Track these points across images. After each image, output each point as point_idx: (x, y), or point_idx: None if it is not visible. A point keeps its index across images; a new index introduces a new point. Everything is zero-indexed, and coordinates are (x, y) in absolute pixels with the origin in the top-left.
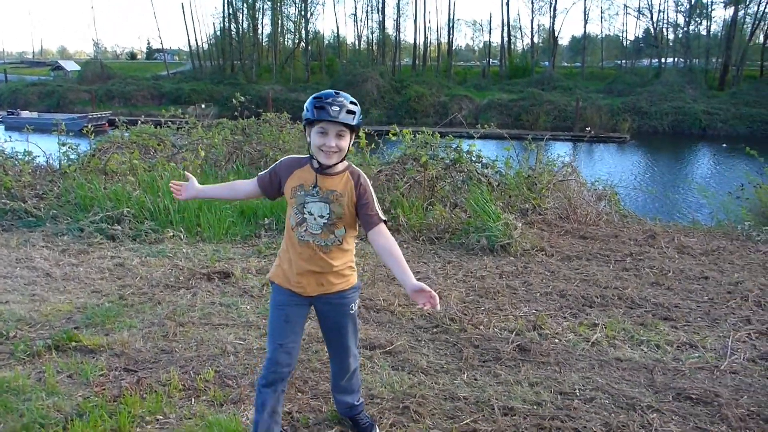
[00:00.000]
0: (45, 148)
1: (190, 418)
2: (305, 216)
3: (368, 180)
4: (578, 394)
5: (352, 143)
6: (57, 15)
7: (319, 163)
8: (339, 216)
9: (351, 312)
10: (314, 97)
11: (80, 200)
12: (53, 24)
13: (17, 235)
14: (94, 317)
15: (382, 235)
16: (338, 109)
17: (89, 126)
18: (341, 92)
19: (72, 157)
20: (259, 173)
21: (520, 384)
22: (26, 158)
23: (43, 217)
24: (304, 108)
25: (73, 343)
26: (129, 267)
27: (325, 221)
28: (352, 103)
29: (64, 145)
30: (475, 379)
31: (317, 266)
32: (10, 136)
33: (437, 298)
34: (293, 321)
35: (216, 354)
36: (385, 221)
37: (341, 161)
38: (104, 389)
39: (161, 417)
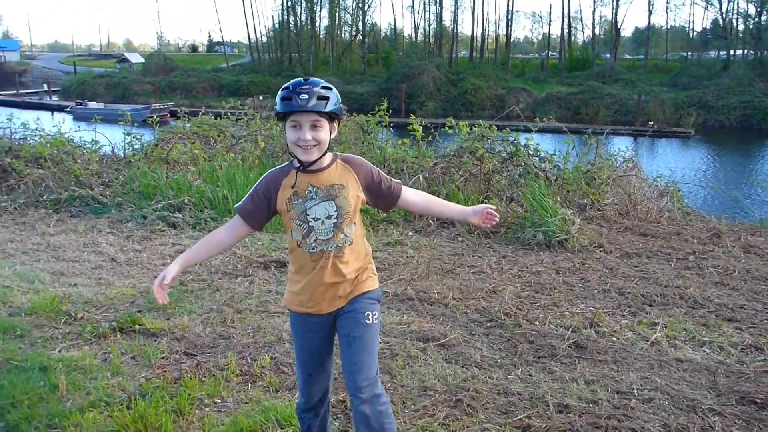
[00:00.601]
0: (111, 138)
1: (246, 403)
2: (310, 224)
3: (360, 157)
4: (636, 393)
5: (334, 134)
6: (123, 9)
7: (299, 161)
8: (346, 210)
9: (367, 322)
10: (282, 88)
11: (143, 188)
12: (119, 18)
13: (85, 221)
14: (156, 302)
15: (412, 193)
16: (307, 97)
17: (153, 117)
18: (312, 78)
19: (136, 146)
20: (236, 205)
21: (575, 381)
22: (93, 147)
23: (108, 204)
24: (275, 103)
25: (137, 326)
26: None
27: (335, 221)
28: (324, 87)
29: (128, 135)
30: (530, 375)
31: (332, 277)
32: (78, 126)
33: (495, 211)
34: (317, 350)
35: (272, 341)
36: (401, 183)
37: (324, 154)
38: (165, 371)
39: (219, 400)
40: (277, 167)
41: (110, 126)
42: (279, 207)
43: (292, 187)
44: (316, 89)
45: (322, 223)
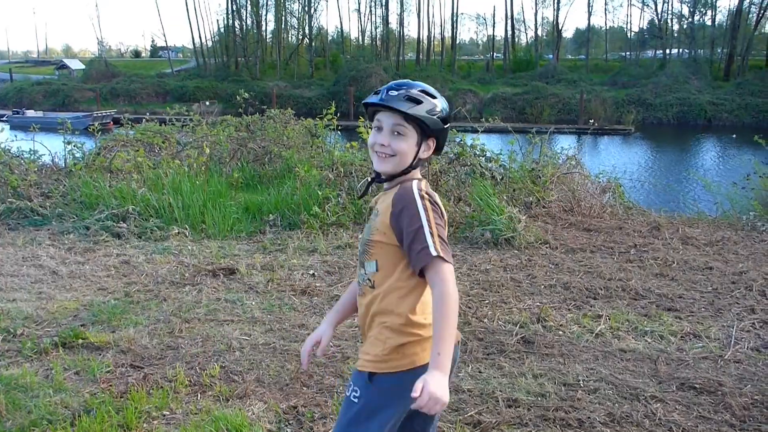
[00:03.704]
0: (50, 147)
1: (196, 414)
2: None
3: (423, 195)
4: (582, 385)
5: (426, 154)
6: (61, 14)
7: (375, 171)
8: (366, 242)
9: (350, 397)
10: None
11: (86, 198)
12: (58, 23)
13: (23, 234)
14: (101, 314)
15: (437, 278)
16: (396, 93)
17: (95, 124)
18: (418, 82)
19: (77, 155)
20: None
21: (524, 376)
22: (32, 157)
23: (49, 215)
24: None
25: (80, 340)
26: (134, 264)
27: (362, 247)
28: (423, 92)
29: (69, 143)
30: (480, 372)
31: (360, 312)
32: (15, 135)
33: (426, 399)
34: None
35: (221, 350)
36: (442, 257)
37: (404, 173)
38: (111, 385)
39: (168, 412)
40: None
41: (50, 135)
42: None
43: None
44: (412, 90)
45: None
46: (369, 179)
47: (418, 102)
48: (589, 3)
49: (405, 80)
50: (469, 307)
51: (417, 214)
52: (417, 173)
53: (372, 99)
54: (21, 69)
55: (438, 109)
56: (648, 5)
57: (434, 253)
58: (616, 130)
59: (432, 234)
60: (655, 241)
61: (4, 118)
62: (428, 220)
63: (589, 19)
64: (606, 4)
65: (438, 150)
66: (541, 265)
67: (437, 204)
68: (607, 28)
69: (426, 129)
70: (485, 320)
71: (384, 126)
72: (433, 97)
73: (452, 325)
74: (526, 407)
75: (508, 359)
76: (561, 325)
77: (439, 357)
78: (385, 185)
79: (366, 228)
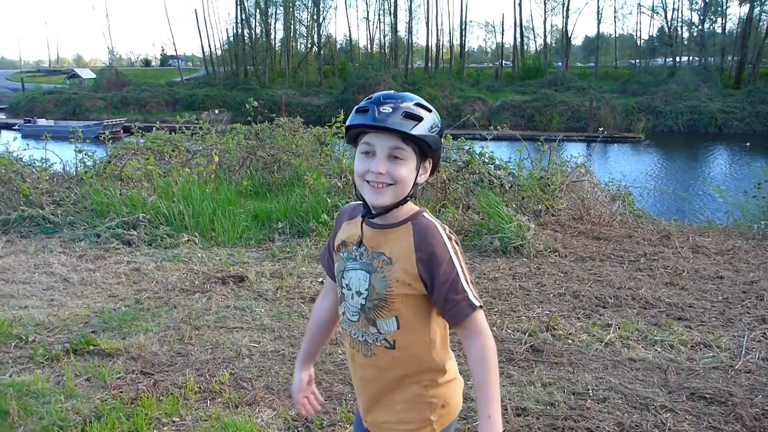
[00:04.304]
0: (62, 156)
1: (205, 420)
2: (343, 290)
3: (449, 235)
4: (591, 394)
5: (424, 178)
6: (73, 24)
7: (366, 205)
8: (378, 295)
9: None
10: (364, 100)
11: (96, 206)
12: (69, 33)
13: (35, 242)
14: (111, 321)
15: (477, 330)
16: (390, 110)
17: (105, 133)
18: (406, 93)
19: (88, 163)
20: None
21: (533, 384)
22: (44, 165)
23: (60, 223)
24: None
25: (91, 347)
26: (145, 272)
27: (363, 302)
28: (419, 105)
29: (80, 152)
30: None
31: (366, 375)
32: (27, 144)
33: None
34: None
35: (231, 357)
36: (480, 306)
37: (403, 202)
38: (121, 392)
39: (177, 419)
40: (353, 203)
41: (61, 143)
42: (334, 251)
43: (346, 234)
44: (406, 104)
45: (352, 296)
46: (360, 219)
47: (419, 119)
48: (598, 11)
49: (390, 92)
50: None
51: (450, 259)
52: (412, 203)
53: (361, 119)
54: (33, 78)
55: (437, 124)
56: (658, 13)
57: (477, 304)
58: (625, 138)
59: (468, 281)
60: (665, 250)
61: (16, 127)
62: (461, 266)
63: (598, 27)
64: (615, 11)
65: (433, 171)
66: (550, 274)
67: (459, 243)
68: (617, 35)
69: (426, 149)
70: (494, 328)
71: (377, 150)
72: (429, 110)
73: (498, 382)
74: (535, 416)
75: (517, 368)
76: (570, 334)
77: (490, 420)
78: (376, 221)
79: (361, 276)
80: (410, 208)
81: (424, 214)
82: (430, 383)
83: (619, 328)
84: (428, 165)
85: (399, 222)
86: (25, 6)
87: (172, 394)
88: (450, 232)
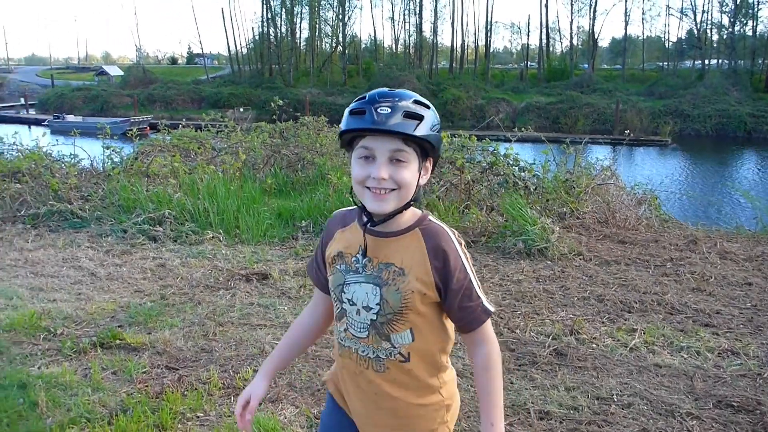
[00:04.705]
0: (89, 151)
1: (229, 416)
2: (344, 306)
3: (459, 240)
4: (616, 399)
5: (425, 179)
6: (101, 22)
7: (366, 212)
8: (393, 309)
9: None
10: (355, 100)
11: (123, 202)
12: (98, 30)
13: (64, 236)
14: (137, 316)
15: (485, 338)
16: (389, 111)
17: (133, 130)
18: (400, 89)
19: (115, 160)
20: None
21: (556, 388)
22: (72, 161)
23: (88, 218)
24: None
25: (117, 341)
26: (170, 267)
27: (374, 318)
28: (417, 102)
29: (107, 148)
30: (511, 383)
31: (369, 396)
32: (57, 140)
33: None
34: None
35: (254, 354)
36: (491, 313)
37: (407, 206)
38: (147, 386)
39: (201, 414)
40: (345, 209)
41: (89, 139)
42: (327, 265)
43: (342, 245)
44: (405, 103)
45: (358, 312)
46: (358, 227)
47: (420, 118)
48: (626, 12)
49: (384, 89)
50: (501, 318)
51: (462, 266)
52: (414, 207)
53: (359, 123)
54: (62, 75)
55: (437, 121)
56: (687, 15)
57: (491, 309)
58: (652, 141)
59: (479, 287)
60: (692, 255)
61: (45, 123)
62: (473, 271)
63: (625, 29)
64: (643, 13)
65: (432, 170)
66: (574, 277)
67: (466, 247)
68: (645, 37)
69: (428, 149)
70: (517, 331)
71: (377, 154)
72: (428, 107)
73: (501, 389)
74: (558, 420)
75: (540, 371)
76: (594, 338)
77: (493, 428)
78: (378, 228)
79: (368, 289)
80: (414, 212)
81: (430, 218)
82: (441, 385)
83: (644, 333)
84: (429, 165)
85: (405, 229)
86: (55, 4)
87: (196, 389)
88: (459, 237)
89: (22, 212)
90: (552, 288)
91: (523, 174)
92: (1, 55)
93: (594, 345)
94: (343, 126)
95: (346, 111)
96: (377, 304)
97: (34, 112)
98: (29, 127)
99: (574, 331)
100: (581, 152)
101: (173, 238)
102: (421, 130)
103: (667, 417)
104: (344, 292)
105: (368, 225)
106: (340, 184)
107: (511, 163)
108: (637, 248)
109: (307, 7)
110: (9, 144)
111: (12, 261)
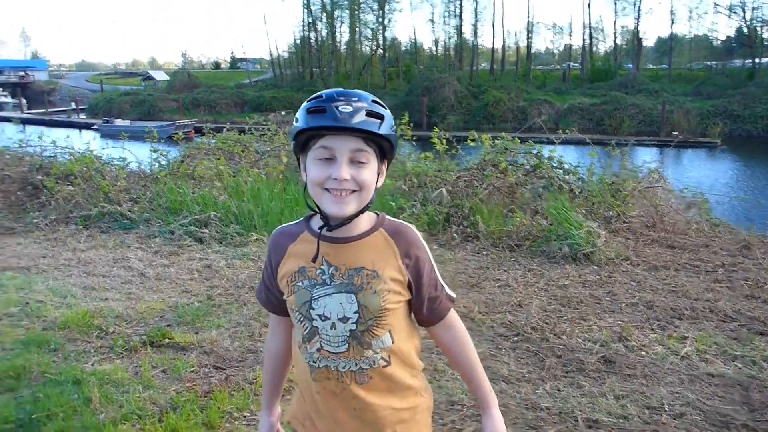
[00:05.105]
0: (137, 155)
1: None
2: (314, 323)
3: (417, 232)
4: (667, 409)
5: (381, 181)
6: (148, 28)
7: (325, 218)
8: (373, 313)
9: None
10: (309, 99)
11: (170, 204)
12: (145, 37)
13: (114, 237)
14: (185, 316)
15: (455, 325)
16: (351, 109)
17: (179, 133)
18: (356, 90)
19: (162, 163)
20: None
21: (605, 396)
22: (121, 164)
23: (137, 219)
24: (294, 120)
25: (166, 340)
26: (216, 269)
27: (352, 327)
28: (374, 102)
29: (155, 151)
30: (558, 390)
31: (350, 413)
32: (106, 143)
33: None
34: None
35: None
36: (454, 299)
37: (362, 211)
38: (195, 385)
39: (248, 414)
40: (288, 224)
41: (136, 143)
42: (280, 286)
43: (299, 260)
44: (364, 102)
45: (333, 326)
46: (310, 232)
47: (381, 117)
48: (672, 11)
49: (339, 89)
50: (547, 323)
51: (429, 259)
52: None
53: (320, 121)
54: (110, 80)
55: (394, 125)
56: (736, 12)
57: (453, 295)
58: (700, 142)
59: (439, 275)
60: (745, 261)
61: (95, 127)
62: (433, 261)
63: (671, 27)
64: (690, 11)
65: (385, 175)
66: (622, 282)
67: None
68: (691, 36)
69: (386, 150)
70: (563, 337)
71: (338, 154)
72: (384, 107)
73: (481, 364)
74: (607, 428)
75: (588, 378)
76: (644, 346)
77: (491, 393)
78: (335, 234)
79: (341, 299)
80: (370, 215)
81: (387, 216)
82: (422, 385)
83: (696, 341)
84: (384, 168)
85: (367, 231)
86: (104, 11)
87: (243, 389)
88: (416, 229)
89: (75, 213)
90: (599, 293)
91: (567, 177)
92: (53, 62)
93: (644, 352)
94: (301, 124)
95: (302, 109)
96: (355, 313)
97: (84, 117)
98: (80, 131)
99: (622, 338)
100: (627, 154)
101: (219, 240)
102: (384, 129)
103: (721, 428)
104: (313, 309)
105: (324, 230)
106: (380, 188)
107: (555, 165)
108: (686, 253)
109: (347, 11)
110: (62, 148)
111: (66, 261)
